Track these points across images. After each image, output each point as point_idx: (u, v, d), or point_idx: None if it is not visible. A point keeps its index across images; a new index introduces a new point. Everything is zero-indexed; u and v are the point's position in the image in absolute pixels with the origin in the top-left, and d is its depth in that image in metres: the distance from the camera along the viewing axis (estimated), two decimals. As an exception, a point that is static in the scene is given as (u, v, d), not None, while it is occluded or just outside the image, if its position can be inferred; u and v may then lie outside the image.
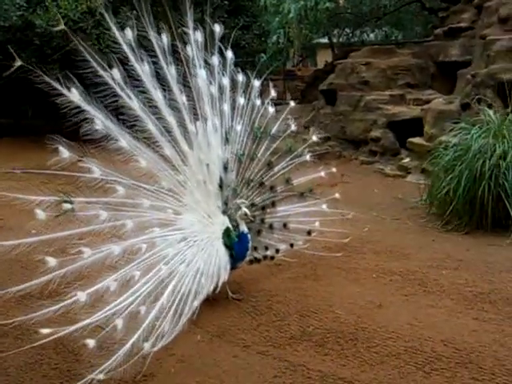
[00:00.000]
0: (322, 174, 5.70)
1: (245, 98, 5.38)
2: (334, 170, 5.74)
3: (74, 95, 4.37)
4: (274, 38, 13.84)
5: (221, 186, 4.95)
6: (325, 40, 24.25)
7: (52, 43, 13.53)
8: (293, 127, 5.58)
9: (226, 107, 5.17)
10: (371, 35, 24.31)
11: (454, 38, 12.41)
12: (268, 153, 5.38)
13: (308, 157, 5.65)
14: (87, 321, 3.81)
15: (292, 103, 5.64)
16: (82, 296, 3.91)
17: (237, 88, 5.34)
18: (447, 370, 3.91)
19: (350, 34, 23.82)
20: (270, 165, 5.30)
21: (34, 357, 4.25)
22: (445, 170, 7.42)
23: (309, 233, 5.70)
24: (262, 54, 16.52)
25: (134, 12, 4.91)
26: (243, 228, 4.93)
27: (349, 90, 13.08)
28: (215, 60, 5.17)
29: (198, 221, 4.90)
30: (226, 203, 4.99)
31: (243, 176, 5.16)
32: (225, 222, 4.95)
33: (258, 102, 5.49)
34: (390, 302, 5.03)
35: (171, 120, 4.80)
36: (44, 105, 20.03)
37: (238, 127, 5.22)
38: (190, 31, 4.99)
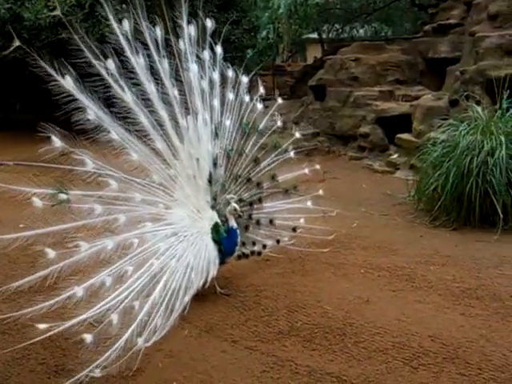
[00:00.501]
0: (306, 170, 5.69)
1: (233, 93, 5.37)
2: (317, 166, 5.73)
3: (68, 82, 4.41)
4: (264, 33, 13.85)
5: (210, 181, 4.95)
6: (314, 35, 24.29)
7: (40, 36, 13.45)
8: (279, 123, 5.55)
9: (216, 102, 5.17)
10: (361, 31, 24.35)
11: (443, 35, 12.46)
12: (255, 149, 5.38)
13: (292, 153, 5.64)
14: (83, 316, 3.82)
15: (280, 100, 5.62)
16: (78, 291, 3.92)
17: (226, 83, 5.33)
18: (434, 365, 3.93)
19: (340, 30, 23.84)
20: (256, 161, 5.30)
21: (21, 352, 4.23)
22: (433, 167, 7.44)
23: (294, 229, 5.70)
24: (249, 50, 16.53)
25: (124, 6, 4.87)
26: (232, 223, 4.93)
27: (338, 86, 13.09)
28: (206, 55, 5.17)
29: (187, 215, 4.90)
30: (214, 198, 4.99)
31: (231, 171, 5.17)
32: (213, 217, 4.95)
33: (247, 97, 5.48)
34: (377, 298, 5.04)
35: (163, 113, 4.79)
36: (33, 98, 20.03)
37: (227, 122, 5.23)
38: (184, 25, 4.97)
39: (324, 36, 24.65)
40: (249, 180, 5.23)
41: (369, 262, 5.93)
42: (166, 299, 4.24)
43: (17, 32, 13.47)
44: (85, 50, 4.60)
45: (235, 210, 4.87)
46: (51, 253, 3.98)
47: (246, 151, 5.27)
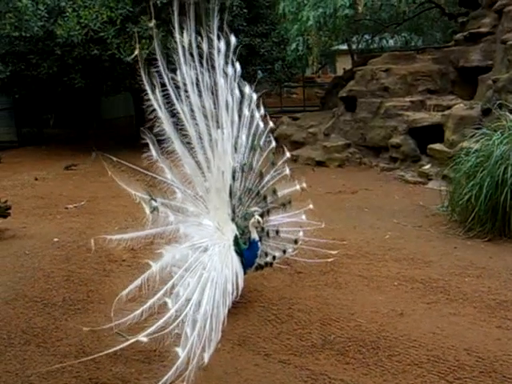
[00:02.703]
0: (298, 187, 5.68)
1: (248, 109, 5.41)
2: (304, 185, 5.72)
3: (157, 96, 4.75)
4: (293, 45, 13.81)
5: (230, 194, 4.99)
6: (344, 47, 24.27)
7: (73, 53, 13.68)
8: (273, 144, 5.57)
9: (236, 117, 5.22)
10: (390, 41, 24.27)
11: (474, 43, 12.33)
12: (259, 164, 5.39)
13: (288, 170, 5.63)
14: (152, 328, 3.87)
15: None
16: (169, 302, 4.07)
17: (243, 99, 5.38)
18: (470, 380, 3.88)
19: (370, 41, 23.80)
20: (261, 175, 5.31)
21: (57, 365, 4.28)
22: (466, 177, 7.36)
23: (296, 241, 5.65)
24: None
25: (154, 21, 4.93)
26: (254, 235, 4.96)
27: (369, 97, 13.04)
28: (230, 70, 5.21)
29: (216, 228, 4.94)
30: (233, 211, 5.02)
31: (244, 185, 5.19)
32: (234, 229, 4.98)
33: (257, 114, 5.51)
34: (412, 310, 5.00)
35: (202, 126, 4.93)
36: (65, 114, 20.37)
37: (243, 137, 5.25)
38: (215, 39, 5.05)
39: (354, 47, 24.62)
40: (258, 193, 5.25)
41: (402, 274, 5.88)
42: (214, 311, 4.26)
43: (50, 49, 13.79)
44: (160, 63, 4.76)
45: (259, 222, 4.90)
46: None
47: (254, 165, 5.29)
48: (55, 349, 4.54)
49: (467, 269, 5.96)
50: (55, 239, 7.35)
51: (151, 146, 4.79)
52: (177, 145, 4.88)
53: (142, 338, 3.79)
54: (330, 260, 6.00)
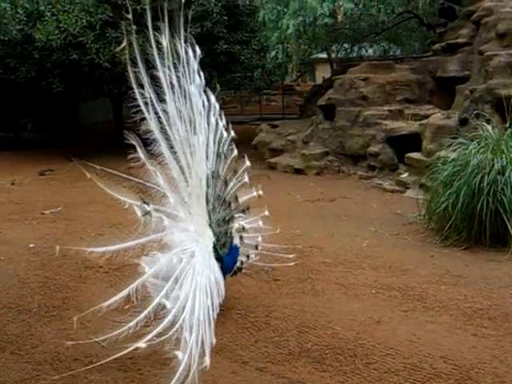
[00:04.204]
0: (255, 193, 5.70)
1: (215, 117, 5.42)
2: (260, 192, 5.74)
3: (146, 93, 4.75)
4: (273, 53, 13.84)
5: (207, 201, 4.99)
6: (323, 55, 24.38)
7: (52, 57, 13.58)
8: (235, 152, 5.58)
9: (206, 124, 5.22)
10: (370, 50, 24.39)
11: (452, 54, 12.45)
12: (224, 171, 5.40)
13: (247, 178, 5.64)
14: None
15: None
16: (167, 303, 4.14)
17: (210, 108, 5.41)
18: (447, 387, 3.89)
19: (349, 50, 23.91)
20: (226, 182, 5.31)
21: (31, 372, 4.24)
22: (443, 186, 7.41)
23: (256, 247, 5.66)
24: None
25: (135, 26, 4.92)
26: (236, 241, 4.97)
27: (347, 105, 13.09)
28: (198, 79, 5.23)
29: (199, 234, 4.95)
30: (210, 217, 5.02)
31: (215, 191, 5.19)
32: (211, 235, 4.98)
33: (221, 122, 5.52)
34: (389, 318, 5.01)
35: (183, 131, 4.94)
36: (43, 118, 20.21)
37: (212, 144, 5.25)
38: (182, 46, 5.07)
39: (333, 56, 24.75)
40: (224, 200, 5.25)
41: (379, 281, 5.90)
42: (206, 317, 4.29)
43: (28, 53, 13.68)
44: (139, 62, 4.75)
45: (243, 228, 4.91)
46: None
47: (221, 173, 5.30)
48: (30, 356, 4.48)
49: (444, 277, 6.00)
50: (31, 245, 7.27)
51: (138, 149, 4.73)
52: (163, 148, 4.87)
53: (141, 344, 3.80)
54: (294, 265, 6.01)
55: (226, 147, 5.47)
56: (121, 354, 3.87)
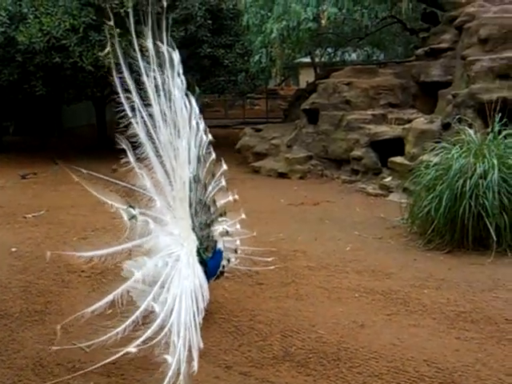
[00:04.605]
0: (231, 198, 5.68)
1: (195, 121, 5.40)
2: (236, 196, 5.72)
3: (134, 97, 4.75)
4: (257, 57, 13.86)
5: (190, 205, 4.98)
6: (307, 59, 24.46)
7: (35, 60, 13.49)
8: (213, 156, 5.55)
9: (188, 128, 5.21)
10: (353, 55, 24.52)
11: (435, 59, 12.53)
12: (203, 175, 5.39)
13: (224, 182, 5.62)
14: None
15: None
16: (156, 307, 4.12)
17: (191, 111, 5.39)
18: (430, 391, 3.90)
19: (332, 54, 24.02)
20: (205, 186, 5.30)
21: (13, 378, 4.20)
22: (426, 190, 7.45)
23: (235, 251, 5.64)
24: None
25: (118, 30, 4.90)
26: (220, 245, 4.97)
27: (331, 110, 13.12)
28: (179, 82, 5.21)
29: (183, 238, 4.92)
30: (193, 221, 5.01)
31: (196, 195, 5.17)
32: (194, 239, 4.96)
33: (201, 126, 5.50)
34: (372, 322, 5.02)
35: (167, 134, 4.92)
36: (26, 121, 20.06)
37: (193, 148, 5.23)
38: (164, 49, 5.05)
39: (317, 60, 24.83)
40: (205, 204, 5.23)
41: (363, 285, 5.91)
42: (192, 321, 4.26)
43: (11, 56, 13.58)
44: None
45: (227, 232, 4.91)
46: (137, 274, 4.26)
47: (201, 177, 5.28)
48: (11, 361, 4.44)
49: (427, 280, 6.02)
50: (13, 249, 7.21)
51: (128, 153, 4.70)
52: (150, 151, 4.86)
53: (132, 348, 3.78)
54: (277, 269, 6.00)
55: (204, 150, 5.46)
56: (111, 359, 3.82)
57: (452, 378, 4.04)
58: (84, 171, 4.52)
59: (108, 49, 4.90)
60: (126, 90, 4.75)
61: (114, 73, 4.68)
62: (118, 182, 4.75)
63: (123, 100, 4.76)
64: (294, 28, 12.72)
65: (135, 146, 4.80)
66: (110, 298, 4.10)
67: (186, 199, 4.93)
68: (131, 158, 4.73)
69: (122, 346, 3.83)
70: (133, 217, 4.57)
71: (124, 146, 4.68)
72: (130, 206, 4.60)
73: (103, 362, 3.87)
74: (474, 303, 5.38)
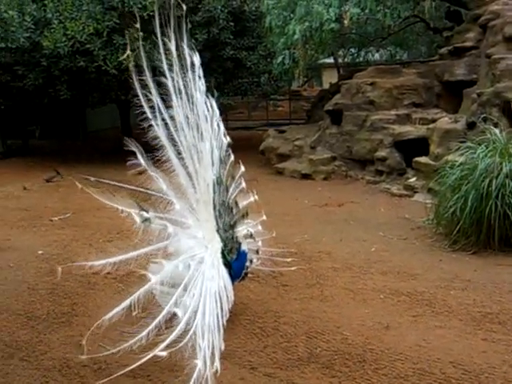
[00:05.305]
0: (252, 199, 5.66)
1: (217, 123, 5.40)
2: (256, 197, 5.68)
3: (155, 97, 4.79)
4: (280, 58, 13.86)
5: (214, 207, 4.99)
6: (330, 60, 24.38)
7: (59, 64, 13.63)
8: (232, 157, 5.53)
9: (211, 130, 5.22)
10: (376, 55, 24.37)
11: (459, 58, 12.43)
12: (225, 177, 5.39)
13: (244, 184, 5.61)
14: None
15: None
16: (178, 310, 4.15)
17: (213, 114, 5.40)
18: (456, 393, 3.88)
19: (355, 54, 23.89)
20: (227, 188, 5.30)
21: (40, 379, 4.26)
22: (451, 190, 7.39)
23: (257, 252, 5.63)
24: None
25: (141, 33, 4.93)
26: (245, 247, 4.99)
27: (354, 110, 13.08)
28: (200, 85, 5.22)
29: (207, 240, 4.95)
30: (217, 223, 5.02)
31: (220, 197, 5.18)
32: (219, 241, 4.98)
33: (222, 128, 5.50)
34: (398, 323, 5.00)
35: (190, 136, 4.95)
36: (51, 125, 20.29)
37: (216, 150, 5.23)
38: (187, 53, 5.07)
39: (340, 60, 24.74)
40: (228, 206, 5.23)
41: (388, 286, 5.89)
42: (216, 322, 4.28)
43: (36, 61, 13.73)
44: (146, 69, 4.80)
45: (251, 234, 4.93)
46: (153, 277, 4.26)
47: (223, 179, 5.28)
48: (39, 362, 4.49)
49: (452, 281, 5.97)
50: (40, 252, 7.29)
51: (139, 155, 4.72)
52: (171, 154, 4.89)
53: (161, 352, 3.81)
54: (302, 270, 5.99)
55: (224, 153, 5.47)
56: (139, 362, 3.85)
57: (479, 379, 4.00)
58: (92, 179, 4.56)
59: (128, 52, 4.94)
60: (147, 93, 4.78)
61: (134, 75, 4.71)
62: (126, 186, 4.77)
63: (143, 102, 4.80)
64: (317, 29, 12.69)
65: (156, 148, 4.82)
66: (127, 303, 4.10)
67: (210, 201, 4.95)
68: (142, 161, 4.73)
69: (148, 349, 3.85)
70: (145, 220, 4.57)
71: (135, 150, 4.69)
72: (143, 210, 4.59)
73: (132, 367, 3.88)
74: (501, 304, 5.33)
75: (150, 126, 4.82)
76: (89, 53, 13.34)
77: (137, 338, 3.90)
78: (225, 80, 16.14)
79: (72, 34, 12.93)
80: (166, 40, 4.86)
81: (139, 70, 4.76)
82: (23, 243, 7.80)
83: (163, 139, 4.86)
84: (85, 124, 21.47)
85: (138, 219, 4.54)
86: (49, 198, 11.42)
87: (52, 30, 13.02)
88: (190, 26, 5.06)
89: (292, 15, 13.28)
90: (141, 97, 4.78)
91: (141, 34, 4.95)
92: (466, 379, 4.01)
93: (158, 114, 4.83)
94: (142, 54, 4.80)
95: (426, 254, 7.00)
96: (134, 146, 4.69)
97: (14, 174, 14.49)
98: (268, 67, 16.27)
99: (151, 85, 4.77)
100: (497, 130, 7.76)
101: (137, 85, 4.75)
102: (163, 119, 4.86)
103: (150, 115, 4.81)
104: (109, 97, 15.60)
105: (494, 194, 6.80)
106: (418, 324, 5.00)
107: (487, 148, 7.37)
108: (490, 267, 6.41)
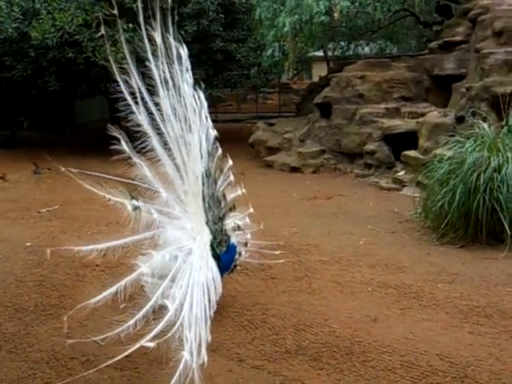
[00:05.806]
0: (240, 192, 5.66)
1: (205, 115, 5.38)
2: (244, 190, 5.68)
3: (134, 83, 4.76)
4: (269, 51, 13.85)
5: (203, 199, 4.98)
6: (320, 53, 24.37)
7: (48, 55, 13.54)
8: (220, 151, 5.51)
9: (199, 122, 5.20)
10: (366, 48, 24.36)
11: (448, 52, 12.45)
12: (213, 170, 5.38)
13: (232, 177, 5.61)
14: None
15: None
16: (166, 301, 4.13)
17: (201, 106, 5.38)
18: (443, 385, 3.90)
19: (345, 48, 23.86)
20: (215, 181, 5.29)
21: (28, 371, 4.23)
22: (439, 184, 7.42)
23: (246, 244, 5.63)
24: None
25: (130, 25, 4.91)
26: (234, 240, 4.99)
27: (344, 104, 13.08)
28: (188, 77, 5.19)
29: (196, 232, 4.94)
30: (206, 215, 5.01)
31: (208, 190, 5.17)
32: (208, 233, 4.97)
33: (209, 121, 5.48)
34: (385, 316, 5.02)
35: (178, 128, 4.92)
36: (40, 116, 20.15)
37: (204, 142, 5.21)
38: (173, 45, 5.03)
39: (329, 54, 24.72)
40: (217, 198, 5.23)
41: (376, 279, 5.91)
42: (203, 314, 4.25)
43: (24, 51, 13.64)
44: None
45: (239, 227, 4.93)
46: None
47: (211, 171, 5.27)
48: (26, 355, 4.48)
49: (440, 275, 6.00)
50: (28, 243, 7.26)
51: (123, 142, 4.72)
52: (155, 143, 4.87)
53: (148, 343, 3.78)
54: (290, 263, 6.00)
55: (212, 145, 5.45)
56: (126, 353, 3.83)
57: (465, 372, 4.03)
58: (74, 170, 4.56)
59: (102, 32, 4.91)
60: (127, 79, 4.75)
61: (112, 61, 4.68)
62: (111, 176, 4.76)
63: (123, 87, 4.77)
64: (307, 22, 12.69)
65: (139, 137, 4.81)
66: (113, 289, 4.12)
67: (199, 193, 4.94)
68: (126, 148, 4.74)
69: (135, 340, 3.85)
70: (136, 208, 4.60)
71: (119, 136, 4.70)
72: (133, 198, 4.62)
73: (119, 357, 3.86)
74: (488, 298, 5.36)
75: (131, 112, 4.79)
76: (77, 44, 13.26)
77: (124, 327, 3.89)
78: (214, 72, 16.09)
79: (61, 24, 12.85)
80: (151, 31, 4.84)
81: (122, 58, 4.74)
82: (11, 235, 7.76)
83: (146, 127, 4.83)
84: (73, 116, 21.37)
85: (129, 207, 4.56)
86: (37, 189, 11.36)
87: (40, 21, 12.93)
88: (179, 17, 5.03)
89: (282, 8, 13.26)
90: (120, 82, 4.74)
91: (130, 25, 4.93)
92: (452, 372, 4.04)
93: (140, 100, 4.80)
94: (123, 40, 4.80)
95: (414, 248, 7.03)
96: (117, 133, 4.67)
97: (1, 165, 14.38)
98: (258, 60, 16.25)
99: (133, 72, 4.74)
100: (485, 125, 7.79)
101: (116, 71, 4.72)
102: (146, 107, 4.83)
103: (130, 101, 4.78)
104: (98, 89, 15.51)
105: (482, 188, 6.83)
106: (405, 317, 5.03)
107: (475, 142, 7.40)
108: (478, 261, 6.44)
